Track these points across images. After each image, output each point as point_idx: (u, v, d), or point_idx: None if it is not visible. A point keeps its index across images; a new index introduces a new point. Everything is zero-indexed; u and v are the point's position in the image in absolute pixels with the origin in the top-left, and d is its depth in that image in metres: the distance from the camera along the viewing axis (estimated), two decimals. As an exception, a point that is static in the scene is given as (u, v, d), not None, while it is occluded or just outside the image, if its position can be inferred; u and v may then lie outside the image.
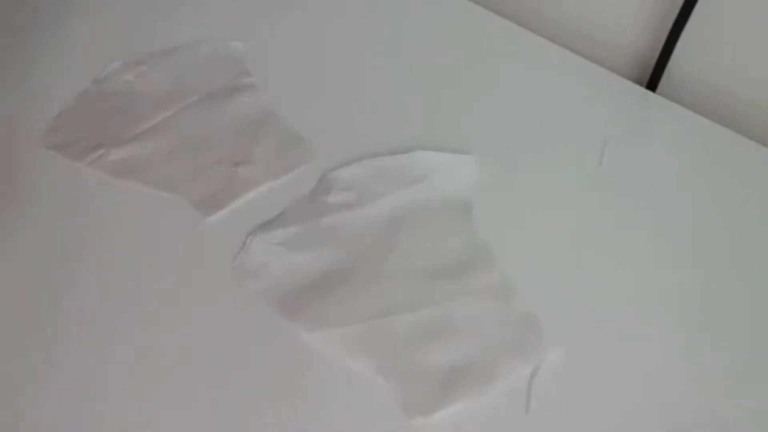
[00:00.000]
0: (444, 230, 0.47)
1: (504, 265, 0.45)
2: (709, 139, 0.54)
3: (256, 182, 0.49)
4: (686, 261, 0.47)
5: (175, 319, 0.43)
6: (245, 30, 0.59)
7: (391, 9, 0.62)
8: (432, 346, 0.42)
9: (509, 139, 0.53)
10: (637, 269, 0.46)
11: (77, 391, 0.40)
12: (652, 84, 0.58)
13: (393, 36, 0.60)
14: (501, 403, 0.40)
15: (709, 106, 0.57)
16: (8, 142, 0.52)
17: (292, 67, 0.57)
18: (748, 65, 0.55)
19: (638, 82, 0.58)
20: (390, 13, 0.62)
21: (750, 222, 0.50)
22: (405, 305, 0.43)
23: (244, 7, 0.61)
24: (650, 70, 0.58)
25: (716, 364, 0.43)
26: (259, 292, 0.44)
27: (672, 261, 0.47)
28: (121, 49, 0.57)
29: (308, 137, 0.52)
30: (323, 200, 0.48)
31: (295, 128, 0.52)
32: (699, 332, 0.44)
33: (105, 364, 0.41)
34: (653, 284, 0.46)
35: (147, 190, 0.49)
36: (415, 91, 0.56)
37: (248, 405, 0.40)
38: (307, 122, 0.53)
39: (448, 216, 0.48)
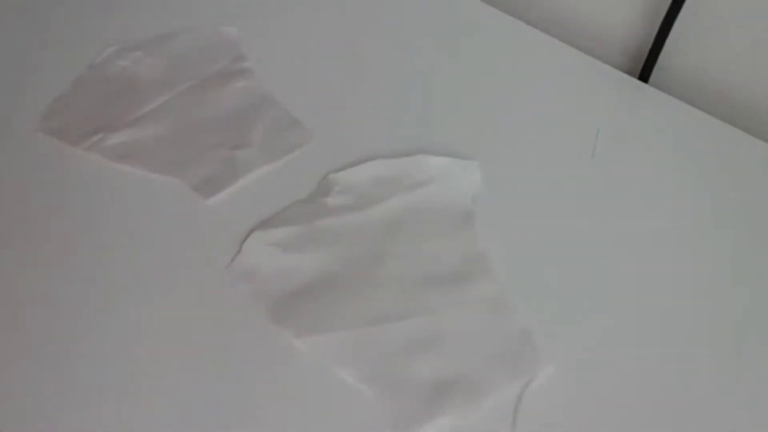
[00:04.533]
0: (443, 238, 0.46)
1: (501, 274, 0.45)
2: (701, 130, 0.55)
3: (254, 164, 0.49)
4: (685, 260, 0.47)
5: (171, 308, 0.43)
6: (240, 15, 0.59)
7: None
8: (422, 358, 0.41)
9: (504, 136, 0.53)
10: (635, 274, 0.46)
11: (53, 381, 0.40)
12: (644, 75, 0.59)
13: (392, 28, 0.60)
14: (490, 420, 0.39)
15: (701, 97, 0.58)
16: (4, 128, 0.51)
17: (290, 56, 0.57)
18: (740, 56, 0.56)
19: (630, 73, 0.59)
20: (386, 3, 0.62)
21: (744, 213, 0.50)
22: (397, 313, 0.42)
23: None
24: (642, 62, 0.59)
25: (720, 380, 0.42)
26: (250, 294, 0.43)
27: (671, 262, 0.47)
28: (115, 35, 0.57)
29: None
30: (322, 202, 0.48)
31: (292, 112, 0.52)
32: (701, 343, 0.43)
33: (97, 353, 0.41)
34: (651, 289, 0.45)
35: (145, 173, 0.48)
36: (407, 87, 0.56)
37: (229, 407, 0.39)
38: (303, 114, 0.52)
39: (448, 223, 0.47)
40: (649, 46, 0.57)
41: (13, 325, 0.41)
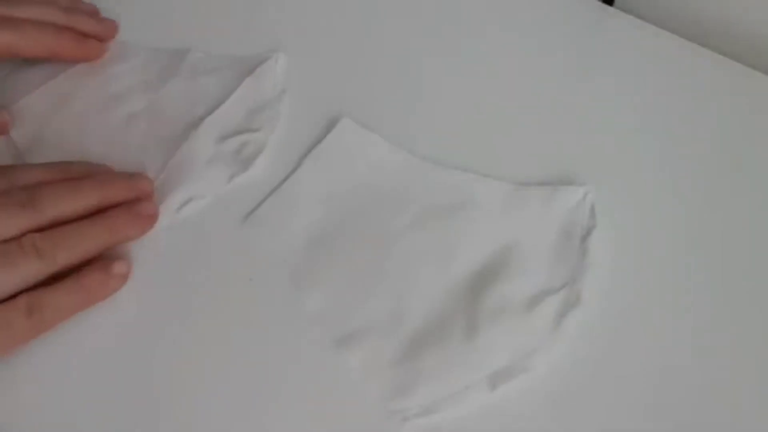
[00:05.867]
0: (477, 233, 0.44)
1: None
2: (669, 53, 0.54)
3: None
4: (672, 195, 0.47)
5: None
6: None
7: None
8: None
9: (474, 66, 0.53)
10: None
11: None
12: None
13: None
14: (506, 405, 0.39)
15: (667, 18, 0.57)
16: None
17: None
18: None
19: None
20: None
21: (724, 137, 0.50)
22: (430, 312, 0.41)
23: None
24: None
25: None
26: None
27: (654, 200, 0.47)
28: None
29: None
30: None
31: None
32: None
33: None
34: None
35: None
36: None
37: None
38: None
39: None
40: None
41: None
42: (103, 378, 0.39)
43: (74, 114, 0.50)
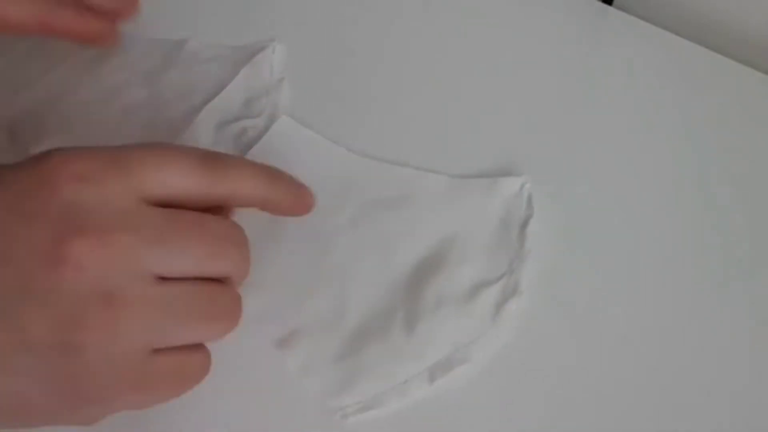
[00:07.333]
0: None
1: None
2: (671, 54, 0.53)
3: None
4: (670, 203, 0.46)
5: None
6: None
7: None
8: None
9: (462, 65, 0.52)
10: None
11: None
12: (607, -1, 0.57)
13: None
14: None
15: (668, 18, 0.55)
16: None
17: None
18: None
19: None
20: None
21: (723, 137, 0.48)
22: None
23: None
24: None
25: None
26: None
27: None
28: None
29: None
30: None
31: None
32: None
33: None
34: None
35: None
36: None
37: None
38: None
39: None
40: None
41: None
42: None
43: (75, 106, 0.51)
